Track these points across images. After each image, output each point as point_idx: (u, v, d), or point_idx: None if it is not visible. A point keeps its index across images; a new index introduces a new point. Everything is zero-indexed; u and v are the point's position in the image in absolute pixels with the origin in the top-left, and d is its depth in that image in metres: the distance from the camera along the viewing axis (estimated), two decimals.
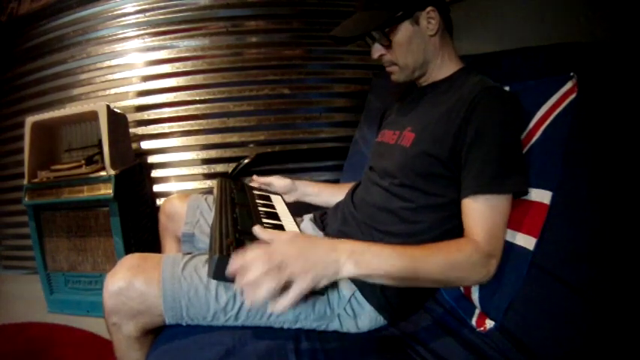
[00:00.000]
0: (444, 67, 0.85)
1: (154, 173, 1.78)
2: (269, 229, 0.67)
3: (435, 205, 0.79)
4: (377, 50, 0.85)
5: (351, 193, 0.97)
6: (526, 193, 0.74)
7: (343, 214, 0.92)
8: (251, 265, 0.55)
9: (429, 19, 0.80)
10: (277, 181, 1.08)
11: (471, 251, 0.67)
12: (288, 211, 0.98)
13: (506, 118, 0.73)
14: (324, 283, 0.58)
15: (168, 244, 1.11)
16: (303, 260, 0.57)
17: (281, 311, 0.56)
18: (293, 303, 0.56)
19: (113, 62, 1.77)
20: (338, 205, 1.00)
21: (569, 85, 0.76)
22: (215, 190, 0.96)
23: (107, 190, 1.38)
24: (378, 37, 0.82)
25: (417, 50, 0.82)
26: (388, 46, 0.82)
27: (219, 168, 1.78)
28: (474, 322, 0.77)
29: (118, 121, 1.51)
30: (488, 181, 0.70)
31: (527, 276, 0.71)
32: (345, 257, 0.60)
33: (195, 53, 1.74)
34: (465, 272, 0.67)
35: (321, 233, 0.96)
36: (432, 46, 0.83)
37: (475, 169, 0.71)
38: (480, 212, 0.70)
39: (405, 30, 0.80)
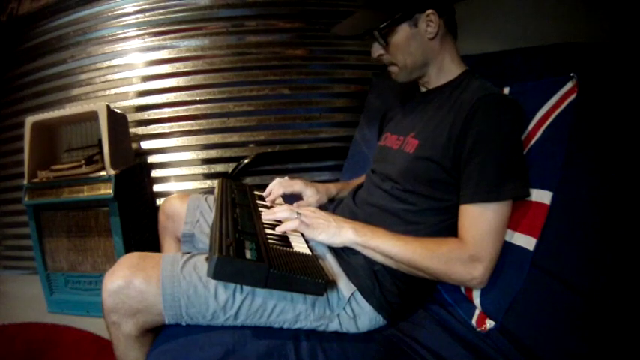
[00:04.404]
0: (445, 71, 0.85)
1: (154, 173, 1.78)
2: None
3: (437, 209, 0.80)
4: (376, 50, 0.85)
5: (353, 193, 0.98)
6: (527, 196, 0.74)
7: (343, 212, 0.93)
8: (304, 212, 0.80)
9: (429, 22, 0.79)
10: (308, 192, 1.03)
11: (454, 248, 0.72)
12: None
13: (504, 125, 0.73)
14: (322, 238, 0.77)
15: (168, 244, 1.11)
16: (322, 224, 0.78)
17: (285, 228, 0.78)
18: (293, 227, 0.77)
19: (113, 62, 1.77)
20: (339, 203, 1.01)
21: (569, 85, 0.76)
22: (216, 190, 0.96)
23: (107, 190, 1.38)
24: (377, 38, 0.82)
25: (414, 52, 0.82)
26: (386, 46, 0.83)
27: (219, 168, 1.78)
28: (474, 322, 0.77)
29: (118, 121, 1.51)
30: (485, 189, 0.71)
31: (528, 276, 0.71)
32: (348, 226, 0.77)
33: (195, 53, 1.74)
34: (445, 266, 0.72)
35: None
36: (430, 49, 0.82)
37: (473, 177, 0.73)
38: (473, 218, 0.72)
39: (402, 32, 0.80)
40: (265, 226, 0.81)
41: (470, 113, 0.74)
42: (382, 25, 0.79)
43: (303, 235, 0.82)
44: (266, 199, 1.01)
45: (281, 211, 0.82)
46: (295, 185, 1.02)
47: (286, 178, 1.05)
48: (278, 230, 0.79)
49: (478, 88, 0.78)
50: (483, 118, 0.73)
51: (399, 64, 0.84)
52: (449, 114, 0.78)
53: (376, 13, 0.81)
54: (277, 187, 1.01)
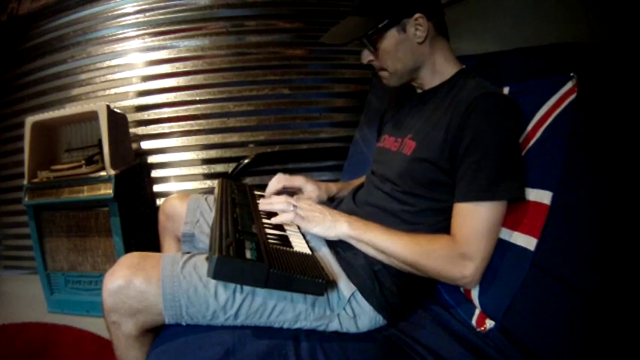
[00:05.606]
0: (439, 72, 0.85)
1: (154, 173, 1.78)
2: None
3: (436, 209, 0.80)
4: (366, 56, 0.85)
5: (353, 194, 0.98)
6: (523, 198, 0.74)
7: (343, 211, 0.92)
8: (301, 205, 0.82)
9: (417, 26, 0.78)
10: (308, 187, 1.03)
11: (445, 245, 0.72)
12: None
13: (501, 125, 0.73)
14: (318, 231, 0.78)
15: (168, 244, 1.11)
16: (317, 217, 0.80)
17: (282, 219, 0.81)
18: (289, 219, 0.80)
19: (113, 62, 1.77)
20: (339, 203, 1.01)
21: (569, 85, 0.76)
22: (216, 190, 0.96)
23: (107, 190, 1.38)
24: (366, 44, 0.81)
25: (404, 57, 0.82)
26: (375, 52, 0.82)
27: (219, 168, 1.78)
28: (474, 322, 0.77)
29: (117, 121, 1.51)
30: (480, 187, 0.71)
31: (528, 276, 0.71)
32: (343, 220, 0.79)
33: (195, 53, 1.74)
34: (435, 263, 0.72)
35: None
36: (420, 53, 0.82)
37: (468, 175, 0.72)
38: (465, 216, 0.72)
39: (391, 38, 0.80)
40: (265, 225, 0.81)
41: (467, 112, 0.73)
42: (370, 32, 0.79)
43: (303, 235, 0.82)
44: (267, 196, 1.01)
45: (278, 202, 0.84)
46: (296, 180, 1.03)
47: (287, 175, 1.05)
48: (274, 221, 0.81)
49: (475, 87, 0.78)
50: (480, 117, 0.72)
51: (389, 70, 0.84)
52: (445, 114, 0.78)
53: (364, 19, 0.80)
54: (278, 181, 1.02)
